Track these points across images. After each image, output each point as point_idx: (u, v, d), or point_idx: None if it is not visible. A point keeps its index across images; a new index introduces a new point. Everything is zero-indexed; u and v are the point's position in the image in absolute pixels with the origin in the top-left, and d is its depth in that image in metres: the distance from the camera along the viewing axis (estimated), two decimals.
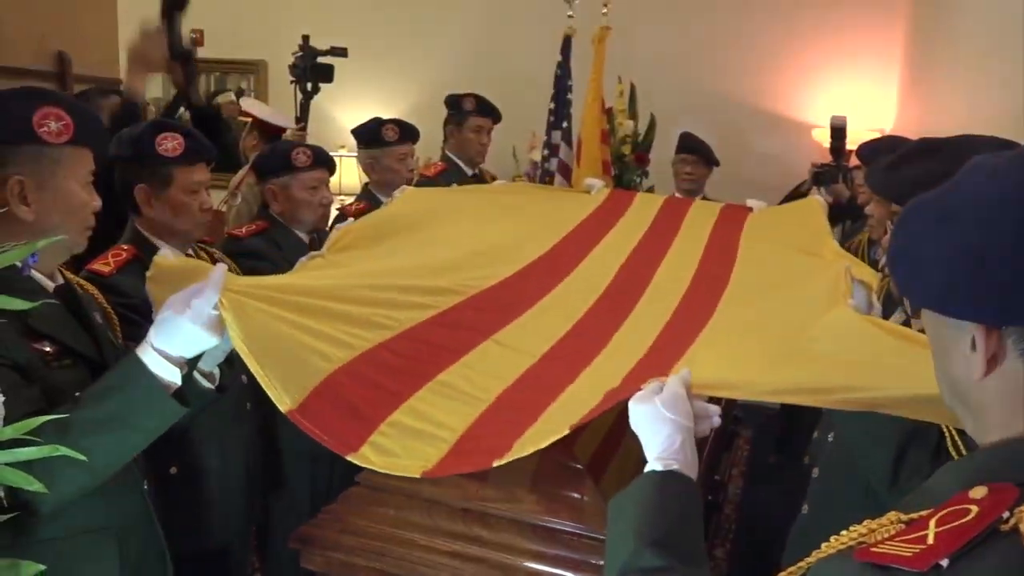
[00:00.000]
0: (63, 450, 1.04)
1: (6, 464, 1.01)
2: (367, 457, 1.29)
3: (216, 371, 1.56)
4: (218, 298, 1.33)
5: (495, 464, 1.25)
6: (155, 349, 1.34)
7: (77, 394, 1.40)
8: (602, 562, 1.37)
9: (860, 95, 5.11)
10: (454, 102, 3.68)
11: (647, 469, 1.08)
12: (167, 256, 1.62)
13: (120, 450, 1.35)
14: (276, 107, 4.90)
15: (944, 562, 0.65)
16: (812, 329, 1.46)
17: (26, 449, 1.01)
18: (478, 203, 2.73)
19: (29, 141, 1.40)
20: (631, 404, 1.14)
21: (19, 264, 1.20)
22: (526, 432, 1.33)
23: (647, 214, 3.04)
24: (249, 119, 4.23)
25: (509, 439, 1.30)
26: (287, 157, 2.57)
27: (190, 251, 2.11)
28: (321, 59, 4.31)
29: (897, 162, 1.65)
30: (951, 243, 0.74)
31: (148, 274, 1.58)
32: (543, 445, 1.24)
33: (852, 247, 3.07)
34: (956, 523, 0.67)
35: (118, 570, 1.47)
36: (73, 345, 1.45)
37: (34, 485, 1.05)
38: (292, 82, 4.39)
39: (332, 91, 4.59)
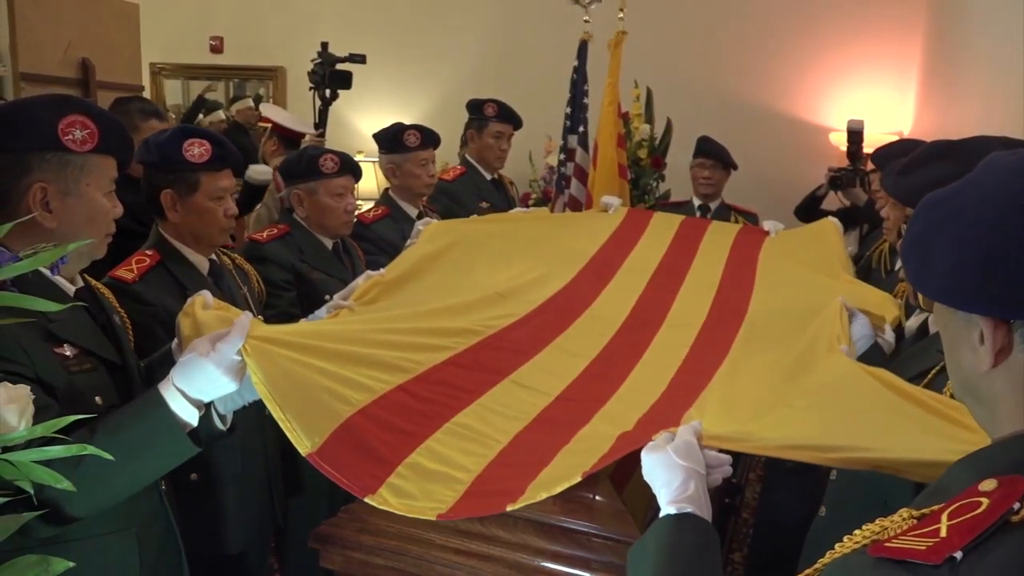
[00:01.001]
0: (91, 449, 1.06)
1: (36, 462, 1.03)
2: (384, 499, 1.32)
3: (230, 415, 1.58)
4: (242, 344, 1.36)
5: (508, 508, 1.28)
6: (176, 388, 1.36)
7: (97, 399, 1.42)
8: (617, 561, 1.39)
9: (878, 99, 5.10)
10: (476, 107, 3.69)
11: (662, 514, 1.10)
12: (207, 298, 1.63)
13: (129, 482, 1.36)
14: (294, 113, 4.95)
15: (958, 554, 0.66)
16: (815, 377, 1.49)
17: (55, 448, 1.04)
18: (498, 236, 2.77)
19: (54, 149, 1.42)
20: (643, 455, 1.18)
21: (47, 268, 1.23)
22: (539, 475, 1.36)
23: (663, 239, 3.06)
24: (268, 124, 4.27)
25: (523, 482, 1.33)
26: (314, 163, 2.58)
27: (213, 256, 2.13)
28: (340, 66, 4.35)
29: (910, 166, 1.66)
30: (962, 238, 0.75)
31: (184, 309, 1.60)
32: (556, 491, 1.27)
33: (873, 256, 3.05)
34: (968, 516, 0.68)
35: (139, 569, 1.49)
36: (94, 349, 1.47)
37: (63, 483, 1.07)
38: (311, 88, 4.42)
39: (350, 97, 4.62)
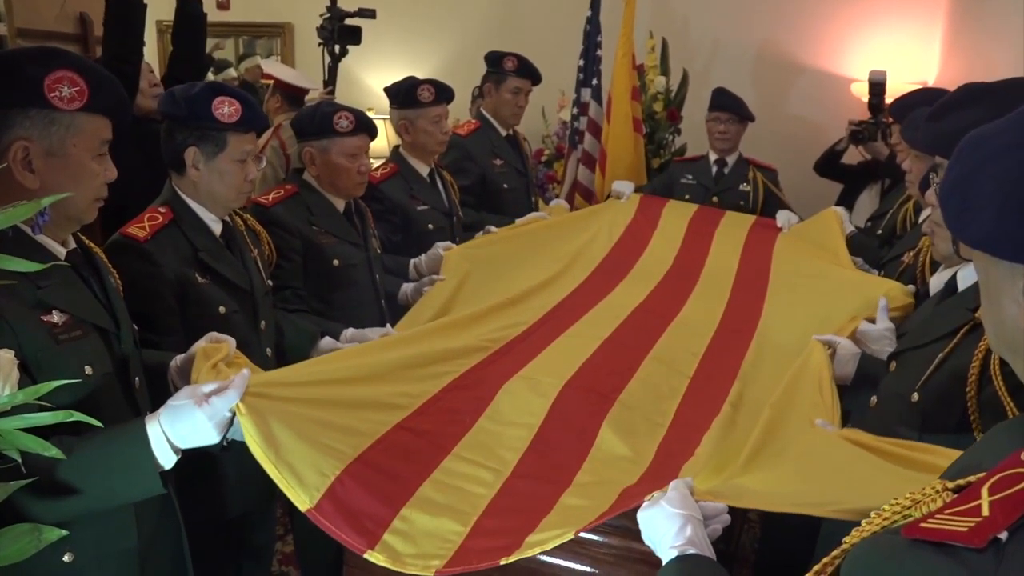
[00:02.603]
0: (76, 415, 1.02)
1: (20, 430, 0.99)
2: (380, 557, 1.31)
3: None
4: (237, 402, 1.34)
5: (502, 563, 1.28)
6: (161, 428, 1.31)
7: (87, 369, 1.37)
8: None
9: (901, 48, 4.93)
10: (495, 60, 3.55)
11: (665, 562, 1.11)
12: (232, 344, 1.62)
13: (92, 504, 1.30)
14: (302, 70, 4.86)
15: (1003, 535, 0.60)
16: (799, 444, 1.50)
17: (40, 415, 1.00)
18: (511, 254, 2.81)
19: (39, 105, 1.35)
20: (640, 516, 1.20)
21: (30, 225, 1.17)
22: (537, 526, 1.35)
23: (674, 238, 3.10)
24: (271, 81, 4.20)
25: (520, 535, 1.32)
26: (328, 120, 2.48)
27: (226, 218, 2.07)
28: (349, 21, 4.25)
29: (940, 112, 1.57)
30: (1009, 180, 0.68)
31: (204, 347, 1.58)
32: (549, 547, 1.28)
33: (898, 219, 2.95)
34: (1012, 490, 0.62)
35: (136, 540, 1.46)
36: (85, 316, 1.41)
37: (51, 451, 1.04)
38: (320, 44, 4.33)
39: (358, 53, 4.53)
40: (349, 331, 2.23)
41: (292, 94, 4.13)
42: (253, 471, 1.39)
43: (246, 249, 2.10)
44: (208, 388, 1.35)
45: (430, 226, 3.01)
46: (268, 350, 2.08)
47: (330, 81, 4.45)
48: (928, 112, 1.62)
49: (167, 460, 1.33)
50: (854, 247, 2.90)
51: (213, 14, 6.51)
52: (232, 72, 6.64)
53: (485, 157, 3.46)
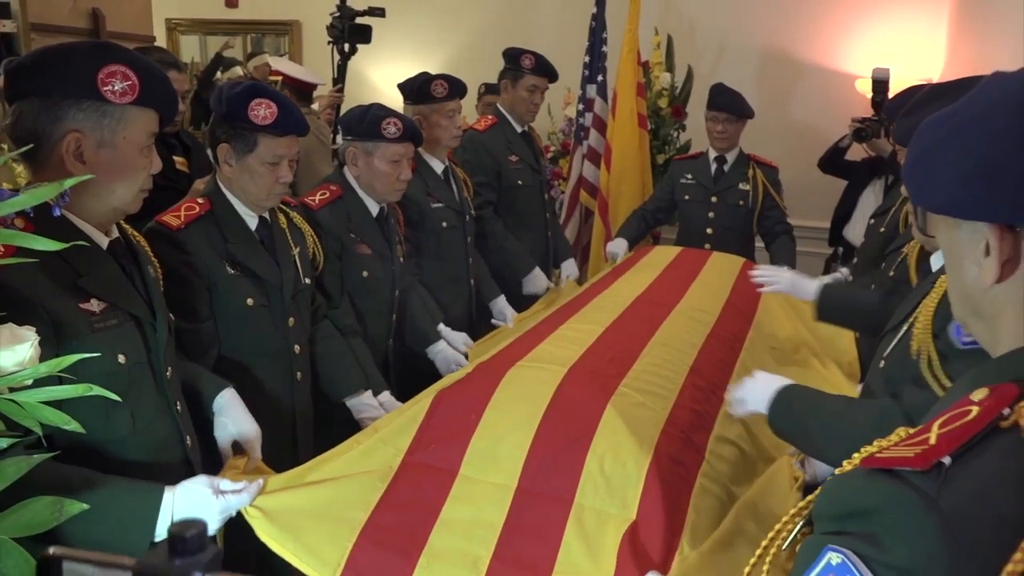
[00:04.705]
0: (96, 389, 1.05)
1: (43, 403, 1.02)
2: None
3: None
4: (247, 505, 1.44)
5: None
6: (172, 499, 1.35)
7: (120, 358, 1.41)
8: None
9: (906, 43, 4.92)
10: (513, 57, 3.54)
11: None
12: (255, 454, 1.69)
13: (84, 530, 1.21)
14: (310, 68, 4.89)
15: (946, 460, 0.66)
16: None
17: (60, 388, 1.03)
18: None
19: (92, 98, 1.38)
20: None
21: (53, 205, 1.21)
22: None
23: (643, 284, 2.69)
24: (279, 78, 4.23)
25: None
26: (377, 124, 2.49)
27: (265, 214, 2.10)
28: (358, 19, 4.28)
29: (912, 108, 1.67)
30: (967, 148, 0.74)
31: (231, 461, 1.65)
32: None
33: (901, 213, 2.94)
34: (958, 424, 0.68)
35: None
36: (121, 304, 1.45)
37: (71, 424, 1.07)
38: (329, 43, 4.37)
39: (364, 50, 4.57)
40: (386, 396, 2.28)
41: (300, 90, 4.16)
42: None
43: (284, 246, 2.12)
44: (227, 486, 1.42)
45: (444, 224, 3.01)
46: (297, 347, 2.11)
47: (339, 79, 4.49)
48: (903, 111, 1.71)
49: (161, 529, 1.34)
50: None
51: (222, 11, 6.59)
52: (239, 70, 6.66)
53: (501, 153, 3.47)
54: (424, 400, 1.75)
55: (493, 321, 3.08)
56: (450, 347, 2.70)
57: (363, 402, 2.22)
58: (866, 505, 0.69)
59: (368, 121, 2.51)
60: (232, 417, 1.70)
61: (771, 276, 2.38)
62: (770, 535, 0.85)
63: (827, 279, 2.70)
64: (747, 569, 0.87)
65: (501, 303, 3.15)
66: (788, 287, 2.34)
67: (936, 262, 1.71)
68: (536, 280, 3.38)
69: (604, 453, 1.54)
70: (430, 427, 1.67)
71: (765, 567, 0.85)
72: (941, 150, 0.76)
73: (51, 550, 0.52)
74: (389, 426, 1.74)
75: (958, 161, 0.74)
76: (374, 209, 2.59)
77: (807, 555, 0.71)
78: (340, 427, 2.13)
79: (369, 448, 1.67)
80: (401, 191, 2.61)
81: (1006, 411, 0.67)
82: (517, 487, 1.52)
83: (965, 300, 0.81)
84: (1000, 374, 0.73)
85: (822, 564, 0.69)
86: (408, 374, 2.64)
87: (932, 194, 0.78)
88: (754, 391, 1.65)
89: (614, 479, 1.50)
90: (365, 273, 2.53)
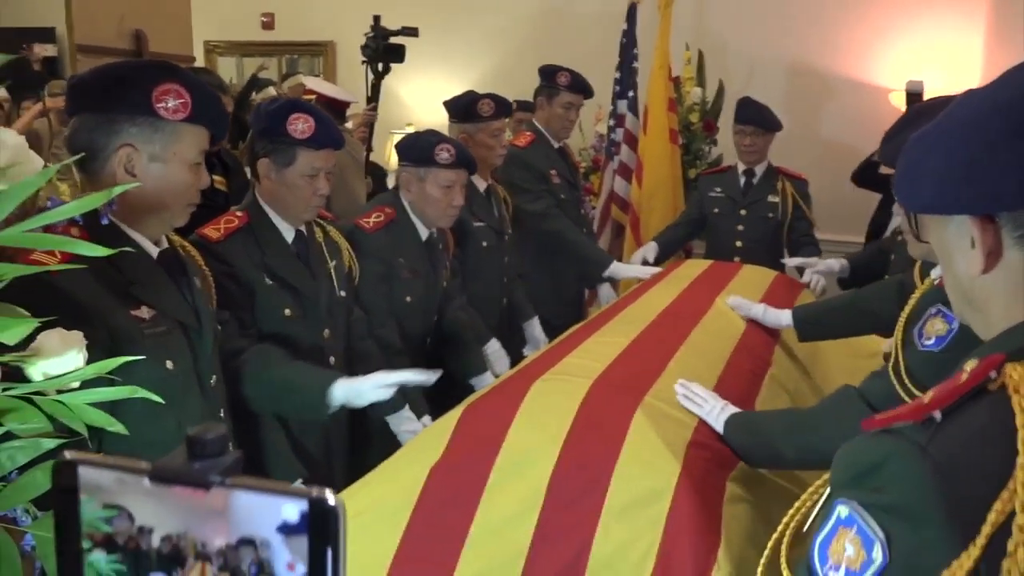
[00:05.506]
0: (141, 392, 1.08)
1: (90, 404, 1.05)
2: None
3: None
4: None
5: None
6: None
7: (168, 364, 1.45)
8: None
9: (941, 51, 4.82)
10: (548, 74, 3.56)
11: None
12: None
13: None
14: (344, 87, 4.97)
15: (937, 415, 0.74)
16: None
17: (104, 389, 1.05)
18: None
19: (145, 114, 1.44)
20: None
21: (102, 214, 1.25)
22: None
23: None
24: (313, 96, 4.30)
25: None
26: (430, 150, 2.50)
27: (302, 227, 2.13)
28: (392, 39, 4.34)
29: (894, 132, 1.73)
30: (945, 151, 0.82)
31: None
32: None
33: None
34: (948, 387, 0.76)
35: None
36: (170, 312, 1.49)
37: (115, 426, 1.09)
38: (363, 62, 4.44)
39: (397, 69, 4.62)
40: (428, 420, 2.27)
41: (334, 108, 4.23)
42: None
43: (320, 259, 2.17)
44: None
45: (484, 243, 3.01)
46: (332, 359, 2.14)
47: (373, 97, 4.55)
48: (886, 133, 1.79)
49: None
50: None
51: (258, 33, 6.73)
52: (272, 91, 6.78)
53: (544, 168, 3.47)
54: (452, 416, 1.76)
55: (524, 351, 3.02)
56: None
57: (402, 417, 2.24)
58: (869, 461, 0.75)
59: (421, 147, 2.53)
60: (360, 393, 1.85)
61: (743, 305, 2.38)
62: (790, 512, 0.91)
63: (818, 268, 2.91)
64: (766, 552, 0.93)
65: (533, 327, 3.11)
66: (760, 316, 2.35)
67: (936, 273, 1.73)
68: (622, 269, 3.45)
69: (632, 463, 1.54)
70: (458, 442, 1.67)
71: (783, 548, 0.90)
72: (926, 157, 0.84)
73: (66, 455, 0.51)
74: (418, 442, 1.76)
75: (941, 163, 0.82)
76: (424, 234, 2.59)
77: (823, 518, 0.78)
78: (379, 442, 2.19)
79: (398, 465, 1.68)
80: (453, 217, 2.61)
81: (993, 374, 0.75)
82: (544, 501, 1.52)
83: (959, 293, 0.87)
84: (990, 350, 0.80)
85: (832, 519, 0.76)
86: (442, 396, 2.62)
87: (919, 196, 0.85)
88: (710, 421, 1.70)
89: (643, 490, 1.50)
90: (408, 298, 2.54)
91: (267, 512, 0.48)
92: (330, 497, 0.47)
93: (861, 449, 0.78)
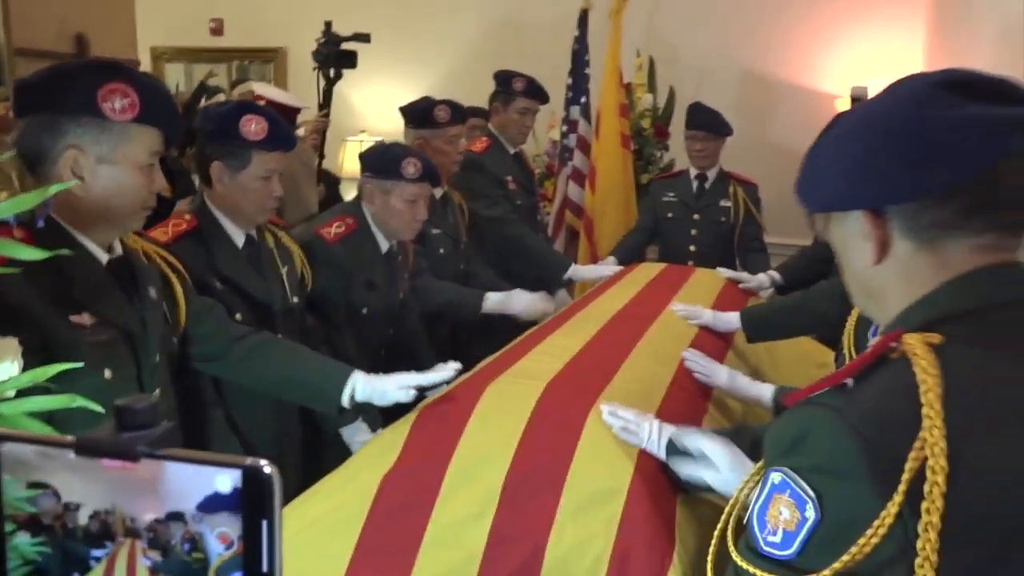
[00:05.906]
0: (80, 400, 1.05)
1: (27, 414, 1.01)
2: None
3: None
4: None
5: None
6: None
7: (106, 372, 1.41)
8: None
9: (883, 56, 4.89)
10: (504, 80, 3.57)
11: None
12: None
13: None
14: (296, 94, 4.92)
15: (849, 381, 0.83)
16: None
17: (41, 398, 1.02)
18: None
19: (91, 115, 1.39)
20: None
21: (38, 216, 1.21)
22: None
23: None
24: (263, 103, 4.25)
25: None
26: (396, 163, 2.47)
27: (252, 232, 2.10)
28: (344, 45, 4.31)
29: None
30: (837, 152, 0.89)
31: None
32: None
33: None
34: (858, 360, 0.85)
35: None
36: (113, 320, 1.45)
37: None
38: (315, 68, 4.40)
39: (348, 76, 4.59)
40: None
41: (285, 114, 4.18)
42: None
43: (271, 264, 2.13)
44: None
45: (441, 251, 3.00)
46: None
47: (325, 104, 4.52)
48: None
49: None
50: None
51: (207, 39, 6.62)
52: (222, 97, 6.69)
53: (501, 173, 3.47)
54: (407, 421, 1.74)
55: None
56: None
57: (356, 428, 2.22)
58: (796, 431, 0.82)
59: (387, 159, 2.50)
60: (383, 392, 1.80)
61: (692, 312, 2.38)
62: (731, 501, 0.97)
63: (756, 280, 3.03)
64: (713, 541, 0.96)
65: (495, 297, 2.84)
66: (711, 322, 2.36)
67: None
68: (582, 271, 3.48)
69: (587, 464, 1.53)
70: (412, 447, 1.65)
71: (729, 535, 0.94)
72: (821, 160, 0.92)
73: None
74: (371, 448, 1.73)
75: (833, 163, 0.89)
76: (384, 246, 2.57)
77: (759, 490, 0.83)
78: (333, 452, 2.14)
79: (351, 472, 1.66)
80: (415, 231, 2.59)
81: (893, 344, 0.83)
82: (499, 503, 1.51)
83: (858, 285, 0.94)
84: (889, 328, 0.89)
85: (767, 488, 0.81)
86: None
87: (817, 195, 0.92)
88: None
89: (597, 489, 1.50)
90: (365, 310, 2.51)
91: (199, 484, 0.46)
92: (265, 466, 0.45)
93: (787, 423, 0.85)
